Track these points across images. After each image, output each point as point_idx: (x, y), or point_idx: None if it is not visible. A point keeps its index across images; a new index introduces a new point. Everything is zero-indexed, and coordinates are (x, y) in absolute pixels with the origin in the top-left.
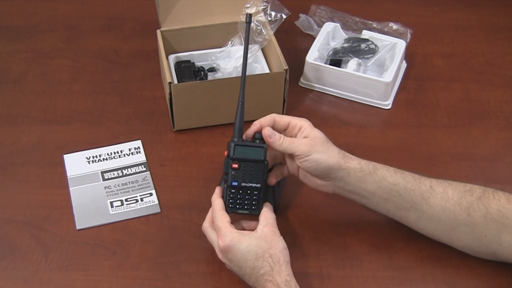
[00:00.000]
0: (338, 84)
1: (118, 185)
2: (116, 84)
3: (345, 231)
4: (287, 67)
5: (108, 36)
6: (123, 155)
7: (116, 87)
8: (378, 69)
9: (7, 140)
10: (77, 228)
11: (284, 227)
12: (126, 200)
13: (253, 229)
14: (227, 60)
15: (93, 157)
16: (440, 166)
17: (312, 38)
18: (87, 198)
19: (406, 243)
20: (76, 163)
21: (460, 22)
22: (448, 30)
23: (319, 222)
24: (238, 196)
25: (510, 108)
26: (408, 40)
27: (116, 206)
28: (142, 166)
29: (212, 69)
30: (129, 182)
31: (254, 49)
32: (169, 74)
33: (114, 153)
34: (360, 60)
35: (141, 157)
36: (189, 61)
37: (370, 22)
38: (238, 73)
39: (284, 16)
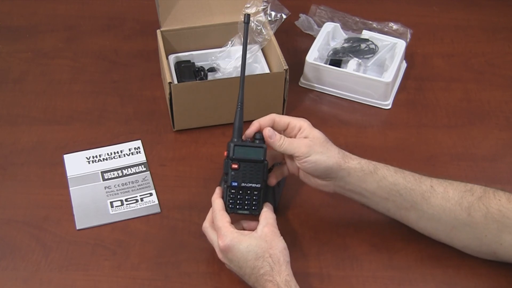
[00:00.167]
0: (338, 84)
1: (118, 185)
2: (116, 84)
3: (345, 231)
4: (287, 67)
5: (108, 36)
6: (123, 155)
7: (116, 87)
8: (378, 69)
9: (7, 140)
10: (77, 228)
11: (284, 227)
12: (126, 200)
13: (253, 229)
14: (227, 60)
15: (93, 157)
16: (440, 166)
17: (312, 38)
18: (87, 198)
19: (406, 243)
20: (76, 163)
21: (460, 22)
22: (448, 30)
23: (319, 222)
24: (238, 196)
25: (510, 108)
26: (408, 40)
27: (116, 206)
28: (142, 166)
29: (212, 69)
30: (129, 182)
31: (254, 49)
32: (169, 74)
33: (114, 153)
34: (360, 60)
35: (141, 157)
36: (189, 61)
37: (370, 22)
38: (238, 73)
39: (284, 16)
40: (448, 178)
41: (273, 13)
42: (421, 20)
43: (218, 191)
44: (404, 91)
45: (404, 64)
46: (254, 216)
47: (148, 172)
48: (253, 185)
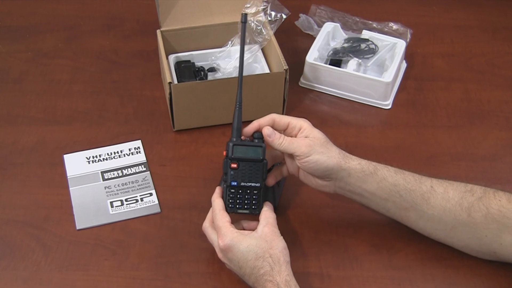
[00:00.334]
0: (338, 84)
1: (118, 185)
2: (116, 84)
3: (345, 231)
4: (287, 67)
5: (108, 36)
6: (123, 155)
7: (116, 87)
8: (378, 69)
9: (7, 140)
10: (77, 228)
11: (284, 227)
12: (126, 200)
13: (253, 229)
14: (227, 60)
15: (93, 157)
16: (440, 166)
17: (312, 38)
18: (87, 198)
19: (406, 243)
20: (76, 163)
21: (460, 22)
22: (448, 30)
23: (319, 222)
24: (238, 196)
25: (510, 108)
26: (408, 40)
27: (116, 206)
28: (142, 166)
29: (212, 69)
30: (129, 182)
31: (254, 49)
32: (169, 74)
33: (114, 153)
34: (360, 60)
35: (141, 157)
36: (189, 61)
37: (370, 22)
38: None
39: (284, 16)
40: (448, 178)
41: (273, 13)
42: (421, 20)
43: (218, 191)
44: (404, 91)
45: (404, 64)
46: (254, 215)
47: (148, 172)
48: (253, 184)
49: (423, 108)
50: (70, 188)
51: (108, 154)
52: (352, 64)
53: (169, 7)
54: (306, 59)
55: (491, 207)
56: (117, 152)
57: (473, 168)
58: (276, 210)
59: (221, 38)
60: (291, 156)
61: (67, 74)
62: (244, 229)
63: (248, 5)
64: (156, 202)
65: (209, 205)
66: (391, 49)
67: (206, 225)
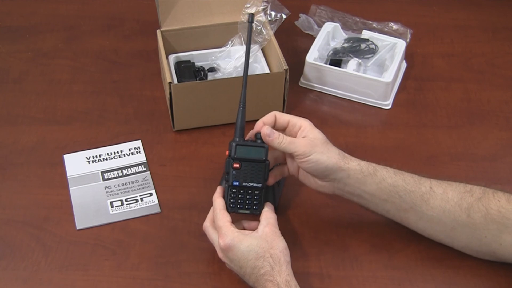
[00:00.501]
0: (338, 84)
1: (118, 185)
2: (116, 84)
3: (345, 231)
4: (287, 67)
5: (108, 36)
6: (123, 155)
7: (116, 87)
8: (378, 69)
9: (7, 140)
10: (77, 228)
11: (284, 227)
12: (126, 200)
13: (254, 229)
14: (227, 60)
15: (93, 157)
16: (440, 166)
17: (312, 38)
18: (87, 198)
19: (406, 243)
20: (76, 163)
21: (460, 22)
22: (448, 30)
23: (319, 222)
24: (239, 196)
25: (510, 108)
26: (408, 40)
27: (116, 206)
28: (142, 166)
29: (212, 69)
30: (129, 182)
31: (254, 49)
32: (169, 74)
33: (114, 153)
34: (360, 60)
35: (141, 157)
36: (189, 61)
37: (370, 22)
38: (238, 73)
39: (284, 16)
40: (447, 179)
41: (273, 13)
42: (421, 20)
43: (219, 190)
44: (404, 91)
45: (404, 64)
46: (255, 215)
47: (148, 172)
48: (254, 184)
49: (423, 108)
50: (70, 188)
51: (108, 154)
52: (352, 64)
53: (169, 7)
54: (306, 59)
55: (490, 208)
56: (117, 152)
57: (473, 168)
58: (276, 210)
59: (221, 38)
60: (292, 156)
61: (67, 74)
62: (244, 229)
63: (248, 5)
64: (156, 202)
65: (209, 205)
66: (391, 49)
67: (207, 224)
